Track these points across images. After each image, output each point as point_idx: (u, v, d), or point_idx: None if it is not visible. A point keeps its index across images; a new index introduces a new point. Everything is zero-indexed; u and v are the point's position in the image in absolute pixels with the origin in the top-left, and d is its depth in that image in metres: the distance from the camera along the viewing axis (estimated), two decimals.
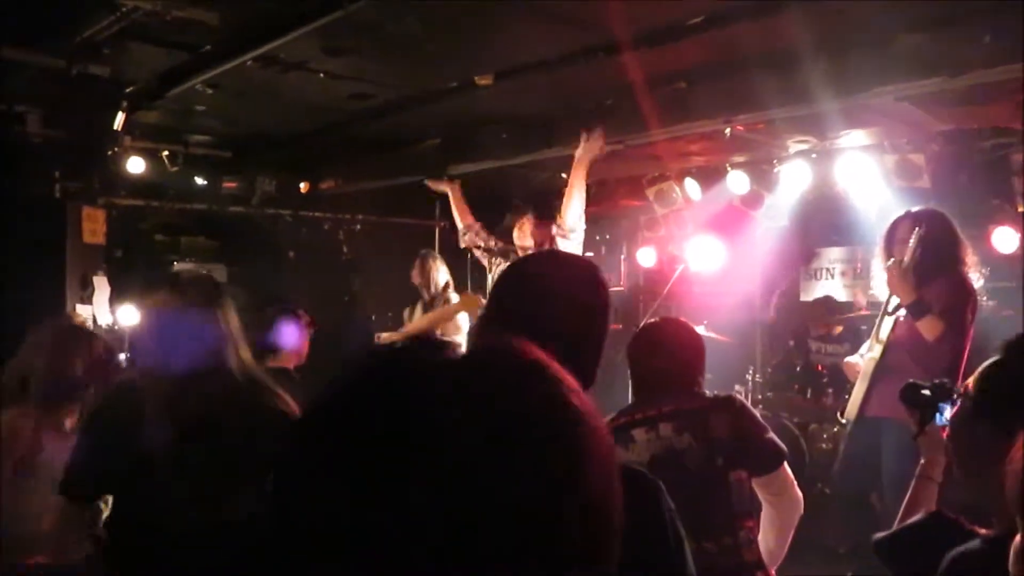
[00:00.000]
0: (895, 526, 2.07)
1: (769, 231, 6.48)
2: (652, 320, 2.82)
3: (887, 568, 1.98)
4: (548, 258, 2.01)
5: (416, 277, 5.93)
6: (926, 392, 2.27)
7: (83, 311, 5.50)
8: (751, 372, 6.11)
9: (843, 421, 4.15)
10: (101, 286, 5.51)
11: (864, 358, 4.05)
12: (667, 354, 2.57)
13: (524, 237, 4.70)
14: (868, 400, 3.92)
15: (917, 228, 3.84)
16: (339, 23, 3.32)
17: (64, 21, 3.52)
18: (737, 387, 6.03)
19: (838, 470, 4.38)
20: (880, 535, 1.91)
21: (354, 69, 4.36)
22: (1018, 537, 0.94)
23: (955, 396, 2.03)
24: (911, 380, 2.42)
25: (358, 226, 7.43)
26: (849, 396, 4.18)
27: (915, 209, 4.04)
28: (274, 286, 6.64)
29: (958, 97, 3.97)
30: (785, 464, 2.52)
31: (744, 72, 4.09)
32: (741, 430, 2.46)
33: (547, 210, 4.70)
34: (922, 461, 2.21)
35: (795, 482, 2.57)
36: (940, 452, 2.14)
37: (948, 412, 2.10)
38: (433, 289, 5.82)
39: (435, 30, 3.77)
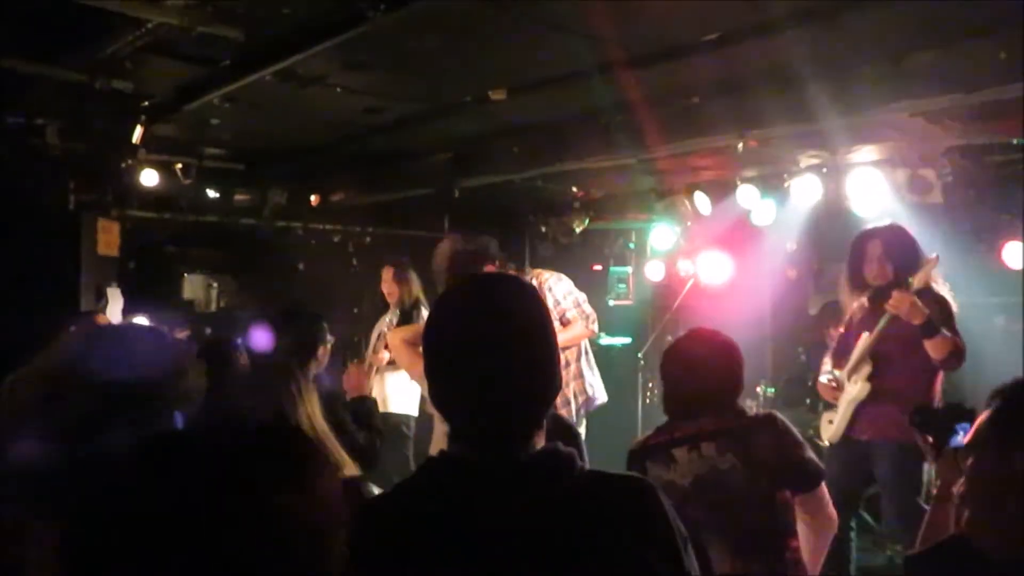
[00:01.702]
0: (918, 547, 2.03)
1: (779, 245, 6.50)
2: (685, 335, 2.69)
3: None
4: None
5: (390, 286, 5.52)
6: (939, 414, 2.23)
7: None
8: (762, 386, 6.12)
9: (824, 443, 4.10)
10: (115, 298, 5.54)
11: (849, 382, 4.00)
12: (704, 373, 2.48)
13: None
14: (856, 423, 3.91)
15: (882, 246, 3.91)
16: (359, 38, 3.36)
17: (88, 36, 3.56)
18: (749, 402, 6.04)
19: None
20: (913, 552, 1.89)
21: (370, 83, 4.40)
22: None
23: (971, 417, 2.04)
24: (920, 403, 2.51)
25: (368, 239, 7.46)
26: (821, 417, 4.19)
27: (875, 226, 4.15)
28: (284, 298, 6.67)
29: (971, 112, 4.00)
30: (823, 483, 2.52)
31: (755, 88, 4.13)
32: (784, 449, 2.42)
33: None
34: (938, 483, 2.17)
35: (831, 501, 2.55)
36: (958, 474, 1.97)
37: (963, 434, 2.07)
38: (407, 301, 5.43)
39: (452, 45, 3.81)
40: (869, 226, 4.25)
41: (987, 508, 1.52)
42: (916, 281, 3.85)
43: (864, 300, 4.13)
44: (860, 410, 3.90)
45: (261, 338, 3.59)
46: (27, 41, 3.63)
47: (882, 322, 3.85)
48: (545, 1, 3.29)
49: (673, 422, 2.51)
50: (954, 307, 3.90)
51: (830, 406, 4.12)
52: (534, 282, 4.48)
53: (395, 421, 5.42)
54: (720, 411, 2.46)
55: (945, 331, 3.72)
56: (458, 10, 3.34)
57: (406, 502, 1.34)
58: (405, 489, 1.38)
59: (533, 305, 1.38)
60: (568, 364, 4.51)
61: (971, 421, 2.00)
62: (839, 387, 4.06)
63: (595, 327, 4.45)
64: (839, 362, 4.16)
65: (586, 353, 4.70)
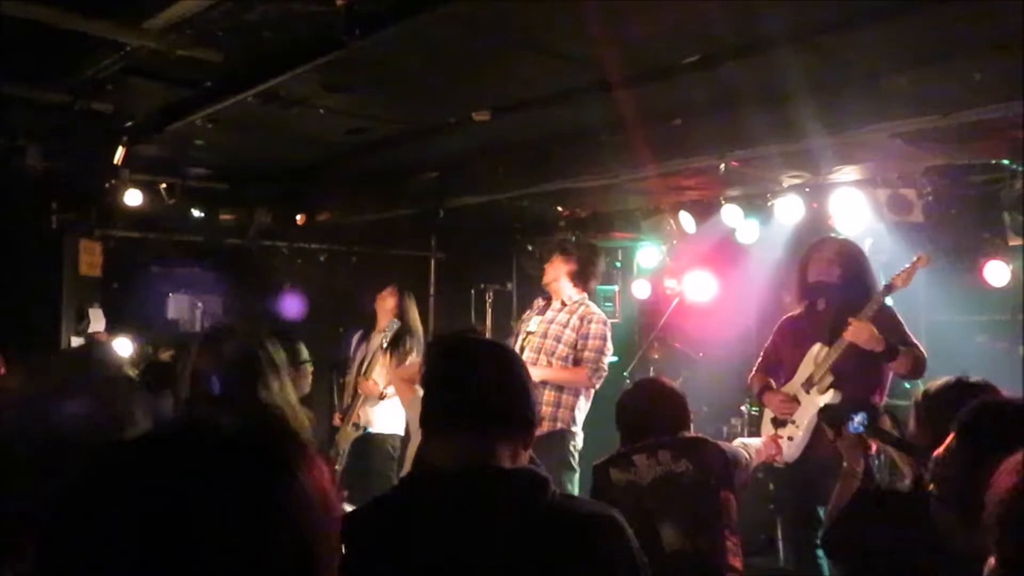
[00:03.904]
0: (827, 522, 2.69)
1: (763, 264, 6.52)
2: (634, 385, 3.39)
3: (838, 556, 2.68)
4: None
5: (390, 307, 5.40)
6: (839, 407, 3.25)
7: (77, 343, 5.49)
8: (746, 406, 6.11)
9: (780, 464, 3.96)
10: (97, 319, 5.51)
11: (808, 395, 3.93)
12: (659, 407, 3.04)
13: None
14: (817, 442, 3.79)
15: (836, 249, 3.95)
16: (340, 60, 3.37)
17: (69, 58, 3.55)
18: (733, 420, 6.04)
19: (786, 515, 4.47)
20: (824, 531, 2.49)
21: (353, 104, 4.40)
22: (991, 560, 0.97)
23: (865, 408, 2.88)
24: (826, 404, 3.58)
25: (354, 258, 7.45)
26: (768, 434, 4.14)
27: (827, 238, 4.20)
28: (269, 318, 6.64)
29: (949, 134, 4.03)
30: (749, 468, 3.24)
31: (739, 109, 4.15)
32: (728, 458, 2.99)
33: None
34: (844, 464, 2.80)
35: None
36: (859, 453, 2.77)
37: (858, 420, 2.79)
38: (401, 325, 5.30)
39: (434, 66, 3.82)
40: (824, 238, 4.32)
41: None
42: (899, 281, 3.85)
43: (799, 311, 4.12)
44: (820, 429, 3.84)
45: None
46: (7, 63, 3.62)
47: (844, 341, 3.82)
48: (526, 24, 3.30)
49: (634, 441, 2.99)
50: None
51: (781, 423, 4.01)
52: (582, 309, 4.49)
53: (382, 441, 5.40)
54: (673, 432, 2.99)
55: (902, 347, 3.73)
56: (439, 33, 3.35)
57: (381, 514, 1.43)
58: (382, 502, 1.48)
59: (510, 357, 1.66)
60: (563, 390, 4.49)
61: (864, 412, 2.88)
62: (794, 400, 3.96)
63: (597, 383, 4.44)
64: (773, 377, 4.12)
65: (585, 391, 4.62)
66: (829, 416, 3.01)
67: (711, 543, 2.79)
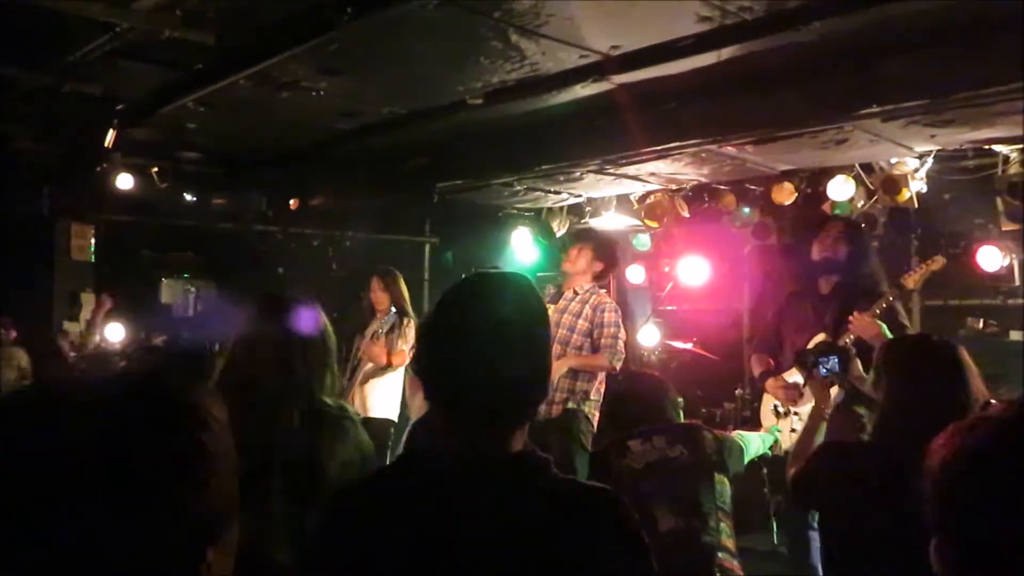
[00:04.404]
0: (792, 460, 2.75)
1: (757, 249, 6.53)
2: (624, 378, 3.63)
3: (806, 503, 2.82)
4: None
5: (378, 295, 5.38)
6: (810, 353, 3.46)
7: (71, 328, 5.48)
8: (739, 390, 6.14)
9: (780, 453, 3.89)
10: (89, 303, 5.50)
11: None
12: (649, 405, 3.13)
13: None
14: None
15: (844, 228, 3.99)
16: (331, 43, 3.34)
17: (57, 40, 3.52)
18: (726, 404, 6.07)
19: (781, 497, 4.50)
20: (792, 479, 2.53)
21: (346, 88, 4.37)
22: (933, 540, 0.98)
23: (834, 352, 3.13)
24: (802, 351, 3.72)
25: (348, 242, 7.43)
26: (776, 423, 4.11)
27: (834, 216, 4.17)
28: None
29: (942, 118, 4.03)
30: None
31: (733, 93, 4.14)
32: (723, 445, 3.06)
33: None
34: (813, 403, 2.97)
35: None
36: (827, 395, 2.99)
37: (830, 363, 3.02)
38: (395, 310, 5.29)
39: (427, 50, 3.80)
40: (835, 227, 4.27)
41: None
42: (910, 282, 3.84)
43: (794, 290, 4.13)
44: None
45: None
46: None
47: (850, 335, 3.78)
48: (518, 8, 3.28)
49: (627, 428, 3.06)
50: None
51: (783, 413, 3.98)
52: (594, 298, 4.62)
53: (376, 426, 5.41)
54: (665, 419, 3.11)
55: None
56: (432, 16, 3.32)
57: (379, 489, 1.39)
58: (381, 476, 1.45)
59: (532, 306, 1.40)
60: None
61: (836, 355, 3.11)
62: (797, 389, 3.92)
63: (618, 365, 4.58)
64: (771, 356, 4.10)
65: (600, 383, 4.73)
66: (802, 359, 3.26)
67: (704, 524, 2.84)
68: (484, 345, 1.33)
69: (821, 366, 3.01)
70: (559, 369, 4.39)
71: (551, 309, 4.65)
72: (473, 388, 1.32)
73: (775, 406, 4.06)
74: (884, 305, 3.74)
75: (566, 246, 4.95)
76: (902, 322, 3.84)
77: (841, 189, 5.13)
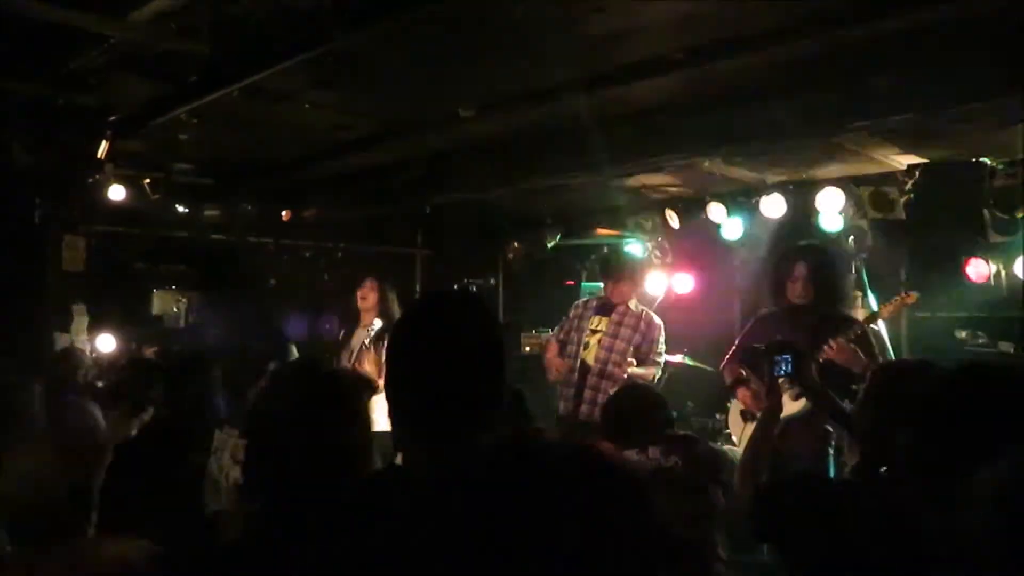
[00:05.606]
0: (742, 473, 2.51)
1: (747, 261, 6.55)
2: (618, 391, 3.58)
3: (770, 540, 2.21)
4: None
5: (371, 298, 5.23)
6: (762, 352, 2.95)
7: (61, 339, 5.45)
8: (732, 401, 6.14)
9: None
10: (80, 315, 5.48)
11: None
12: (644, 417, 3.16)
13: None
14: (787, 437, 3.65)
15: (808, 269, 3.95)
16: (325, 55, 3.36)
17: (52, 52, 3.53)
18: (718, 416, 6.07)
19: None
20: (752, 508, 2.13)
21: (338, 101, 4.40)
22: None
23: (787, 352, 2.74)
24: (753, 346, 3.57)
25: (340, 254, 7.44)
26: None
27: (803, 245, 4.22)
28: (254, 314, 6.62)
29: (930, 132, 4.07)
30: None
31: (723, 106, 4.17)
32: (716, 455, 3.16)
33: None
34: (766, 405, 2.73)
35: None
36: (778, 398, 2.71)
37: (783, 364, 2.70)
38: (384, 318, 5.10)
39: (420, 63, 3.82)
40: (799, 243, 4.32)
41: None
42: (884, 312, 3.97)
43: (771, 309, 4.13)
44: (790, 424, 3.84)
45: None
46: None
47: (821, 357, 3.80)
48: (512, 23, 3.30)
49: (619, 439, 3.07)
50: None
51: (751, 416, 4.02)
52: (645, 314, 5.12)
53: (384, 439, 5.35)
54: (659, 431, 3.13)
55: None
56: (424, 32, 3.35)
57: (352, 507, 1.43)
58: (370, 482, 1.53)
59: (484, 323, 1.47)
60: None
61: (789, 353, 2.74)
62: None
63: (658, 373, 5.18)
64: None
65: None
66: (751, 358, 3.12)
67: (700, 536, 2.87)
68: (438, 362, 1.39)
69: (776, 366, 2.73)
70: (624, 374, 4.86)
71: (602, 320, 5.12)
72: (429, 402, 1.38)
73: (742, 411, 4.15)
74: (858, 332, 3.80)
75: (613, 276, 5.22)
76: (874, 352, 3.86)
77: (830, 202, 5.17)
